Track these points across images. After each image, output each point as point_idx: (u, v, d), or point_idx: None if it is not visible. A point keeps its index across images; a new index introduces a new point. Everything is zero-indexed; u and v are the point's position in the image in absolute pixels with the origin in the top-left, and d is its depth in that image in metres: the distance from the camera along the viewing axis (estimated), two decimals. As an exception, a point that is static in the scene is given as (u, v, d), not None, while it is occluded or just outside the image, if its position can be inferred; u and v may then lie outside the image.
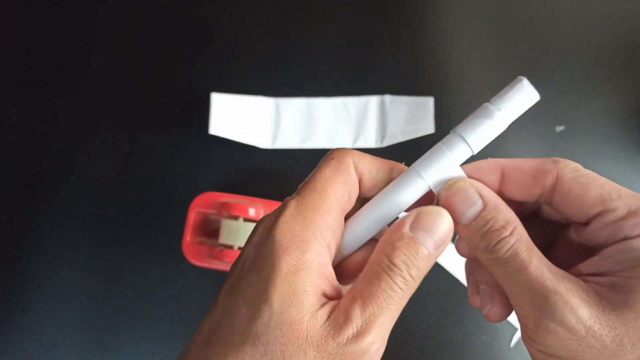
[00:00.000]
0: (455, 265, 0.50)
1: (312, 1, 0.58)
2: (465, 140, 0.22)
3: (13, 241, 0.53)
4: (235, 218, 0.47)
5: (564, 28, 0.56)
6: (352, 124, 0.54)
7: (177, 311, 0.50)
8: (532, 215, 0.26)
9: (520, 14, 0.57)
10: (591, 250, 0.22)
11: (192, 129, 0.54)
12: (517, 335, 0.24)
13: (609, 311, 0.19)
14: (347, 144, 0.54)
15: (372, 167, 0.24)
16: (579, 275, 0.21)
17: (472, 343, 0.49)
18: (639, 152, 0.52)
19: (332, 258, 0.23)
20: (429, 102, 0.53)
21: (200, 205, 0.50)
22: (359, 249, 0.24)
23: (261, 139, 0.54)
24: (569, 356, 0.19)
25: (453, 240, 0.23)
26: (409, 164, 0.24)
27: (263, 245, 0.21)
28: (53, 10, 0.58)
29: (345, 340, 0.20)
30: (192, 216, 0.49)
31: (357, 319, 0.20)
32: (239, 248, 0.47)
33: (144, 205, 0.53)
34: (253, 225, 0.47)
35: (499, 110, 0.22)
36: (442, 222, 0.21)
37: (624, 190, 0.21)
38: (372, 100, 0.54)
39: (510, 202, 0.22)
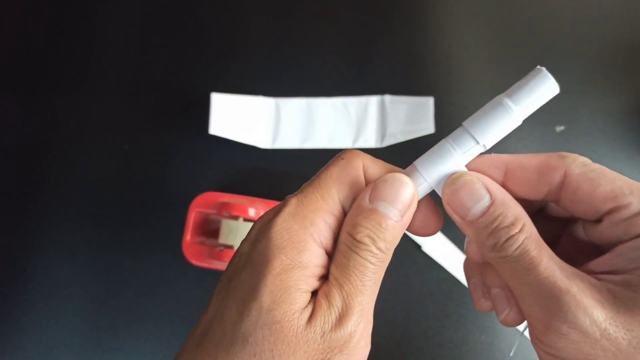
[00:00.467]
0: (456, 265, 0.50)
1: (312, 1, 0.58)
2: (476, 140, 0.21)
3: (13, 241, 0.53)
4: (235, 218, 0.47)
5: (564, 28, 0.56)
6: (352, 124, 0.54)
7: (177, 311, 0.50)
8: (536, 212, 0.25)
9: (520, 14, 0.57)
10: (599, 247, 0.21)
11: (192, 129, 0.54)
12: (517, 343, 0.23)
13: (625, 312, 0.18)
14: (347, 144, 0.54)
15: (381, 172, 0.22)
16: (589, 273, 0.20)
17: (472, 343, 0.49)
18: (639, 152, 0.52)
19: (328, 261, 0.22)
20: (429, 102, 0.53)
21: (200, 205, 0.50)
22: None
23: (261, 139, 0.54)
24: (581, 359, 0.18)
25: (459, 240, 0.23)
26: None
27: (258, 242, 0.21)
28: (53, 10, 0.58)
29: (330, 327, 0.19)
30: (192, 216, 0.49)
31: (336, 301, 0.19)
32: (239, 248, 0.47)
33: (144, 205, 0.53)
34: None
35: (517, 106, 0.20)
36: (401, 188, 0.21)
37: (636, 184, 0.20)
38: (372, 100, 0.54)
39: (515, 199, 0.21)
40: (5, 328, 0.51)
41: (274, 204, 0.50)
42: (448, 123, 0.52)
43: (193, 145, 0.54)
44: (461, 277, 0.50)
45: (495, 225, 0.20)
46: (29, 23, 0.58)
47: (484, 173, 0.22)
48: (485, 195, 0.20)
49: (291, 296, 0.19)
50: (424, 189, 0.22)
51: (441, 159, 0.21)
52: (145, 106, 0.56)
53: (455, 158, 0.21)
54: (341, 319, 0.19)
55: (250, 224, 0.47)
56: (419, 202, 0.22)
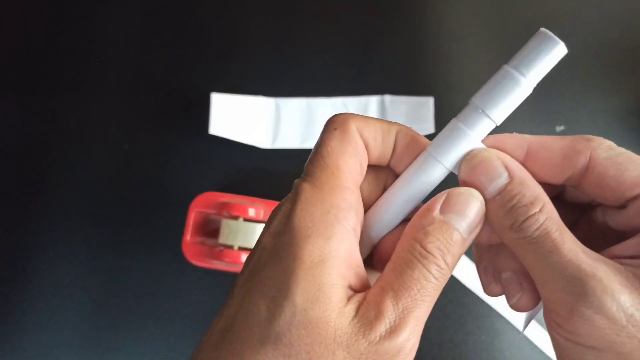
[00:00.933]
0: (455, 265, 0.50)
1: (312, 1, 0.58)
2: (487, 115, 0.20)
3: (13, 241, 0.53)
4: (235, 218, 0.47)
5: (564, 28, 0.56)
6: (352, 124, 0.54)
7: (177, 311, 0.50)
8: (554, 198, 0.23)
9: (520, 14, 0.57)
10: (620, 233, 0.20)
11: (192, 129, 0.54)
12: (531, 316, 0.21)
13: None
14: (347, 144, 0.54)
15: (376, 133, 0.21)
16: (613, 258, 0.19)
17: (472, 343, 0.49)
18: (639, 152, 0.52)
19: (358, 240, 0.21)
20: (429, 102, 0.53)
21: (200, 205, 0.50)
22: (390, 232, 0.22)
23: (261, 139, 0.54)
24: (604, 346, 0.17)
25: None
26: None
27: (282, 234, 0.19)
28: (53, 10, 0.58)
29: (378, 338, 0.18)
30: (192, 216, 0.49)
31: (389, 314, 0.18)
32: (239, 248, 0.47)
33: (144, 205, 0.53)
34: (253, 225, 0.47)
35: (525, 76, 0.19)
36: (474, 203, 0.19)
37: None
38: (372, 100, 0.54)
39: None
40: (5, 328, 0.51)
41: (274, 204, 0.50)
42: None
43: (193, 145, 0.54)
44: (461, 277, 0.50)
45: (513, 203, 0.19)
46: (29, 23, 0.58)
47: (505, 152, 0.21)
48: (504, 172, 0.20)
49: (326, 294, 0.18)
50: (441, 173, 0.21)
51: (455, 140, 0.21)
52: (145, 106, 0.56)
53: (468, 137, 0.20)
54: (392, 331, 0.18)
55: (251, 224, 0.47)
56: None
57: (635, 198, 0.19)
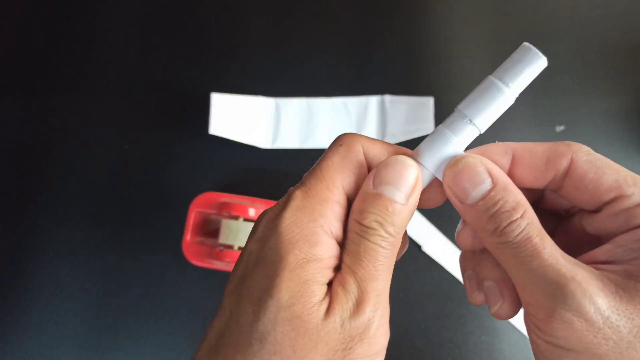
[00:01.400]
0: (456, 265, 0.50)
1: (312, 1, 0.58)
2: (472, 122, 0.21)
3: (13, 241, 0.53)
4: (235, 218, 0.47)
5: (564, 28, 0.56)
6: (352, 124, 0.54)
7: (177, 311, 0.50)
8: (533, 206, 0.25)
9: (520, 14, 0.57)
10: (596, 240, 0.21)
11: (192, 129, 0.54)
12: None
13: (627, 301, 0.18)
14: (347, 144, 0.54)
15: (382, 155, 0.22)
16: (589, 263, 0.20)
17: (472, 343, 0.49)
18: (639, 152, 0.52)
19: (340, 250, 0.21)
20: (429, 102, 0.53)
21: (200, 205, 0.50)
22: None
23: (261, 139, 0.54)
24: (581, 348, 0.18)
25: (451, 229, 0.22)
26: None
27: (268, 239, 0.20)
28: (53, 10, 0.58)
29: (348, 314, 0.19)
30: (192, 216, 0.49)
31: (352, 288, 0.19)
32: (239, 248, 0.47)
33: (144, 205, 0.53)
34: (253, 225, 0.47)
35: (508, 87, 0.20)
36: (404, 170, 0.20)
37: (639, 177, 0.20)
38: (372, 100, 0.54)
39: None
40: (5, 328, 0.51)
41: (274, 204, 0.49)
42: (448, 123, 0.52)
43: (193, 145, 0.54)
44: (461, 277, 0.50)
45: (496, 209, 0.20)
46: (29, 23, 0.58)
47: (491, 159, 0.21)
48: (487, 178, 0.20)
49: (309, 289, 0.19)
50: (426, 177, 0.22)
51: (440, 145, 0.21)
52: (145, 106, 0.56)
53: (453, 143, 0.21)
54: (358, 305, 0.19)
55: (251, 224, 0.47)
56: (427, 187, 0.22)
57: (610, 202, 0.20)
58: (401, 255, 0.23)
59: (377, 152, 0.22)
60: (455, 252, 0.50)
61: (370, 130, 0.54)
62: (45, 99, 0.56)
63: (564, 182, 0.21)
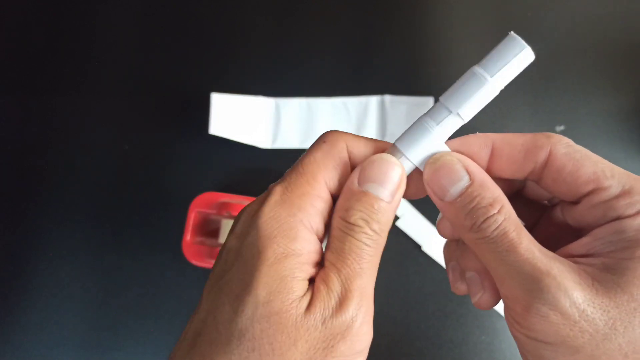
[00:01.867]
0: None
1: (312, 1, 0.58)
2: (453, 112, 0.21)
3: (13, 241, 0.53)
4: (235, 218, 0.47)
5: (564, 28, 0.56)
6: (352, 124, 0.54)
7: (177, 311, 0.50)
8: (514, 196, 0.25)
9: (520, 14, 0.57)
10: (578, 231, 0.21)
11: (192, 129, 0.54)
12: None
13: (602, 294, 0.18)
14: (347, 144, 0.54)
15: (366, 151, 0.22)
16: (568, 256, 0.20)
17: (472, 343, 0.49)
18: (639, 152, 0.52)
19: (323, 244, 0.21)
20: (428, 102, 0.53)
21: (200, 205, 0.50)
22: None
23: (261, 139, 0.54)
24: (558, 341, 0.18)
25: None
26: None
27: (247, 235, 0.20)
28: (53, 10, 0.58)
29: (330, 312, 0.19)
30: (192, 216, 0.49)
31: (335, 286, 0.19)
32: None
33: (144, 205, 0.53)
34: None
35: (491, 76, 0.20)
36: (389, 169, 0.20)
37: (617, 168, 0.20)
38: (372, 100, 0.54)
39: (496, 181, 0.21)
40: (5, 328, 0.51)
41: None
42: (448, 123, 0.52)
43: (193, 145, 0.54)
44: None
45: (473, 205, 0.20)
46: (29, 23, 0.58)
47: (472, 151, 0.22)
48: (465, 175, 0.20)
49: (288, 285, 0.18)
50: (407, 167, 0.22)
51: (421, 136, 0.21)
52: (145, 106, 0.56)
53: (434, 133, 0.21)
54: (341, 303, 0.19)
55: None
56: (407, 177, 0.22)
57: (588, 194, 0.20)
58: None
59: (362, 150, 0.22)
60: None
61: (370, 130, 0.54)
62: (45, 99, 0.56)
63: (542, 173, 0.21)
